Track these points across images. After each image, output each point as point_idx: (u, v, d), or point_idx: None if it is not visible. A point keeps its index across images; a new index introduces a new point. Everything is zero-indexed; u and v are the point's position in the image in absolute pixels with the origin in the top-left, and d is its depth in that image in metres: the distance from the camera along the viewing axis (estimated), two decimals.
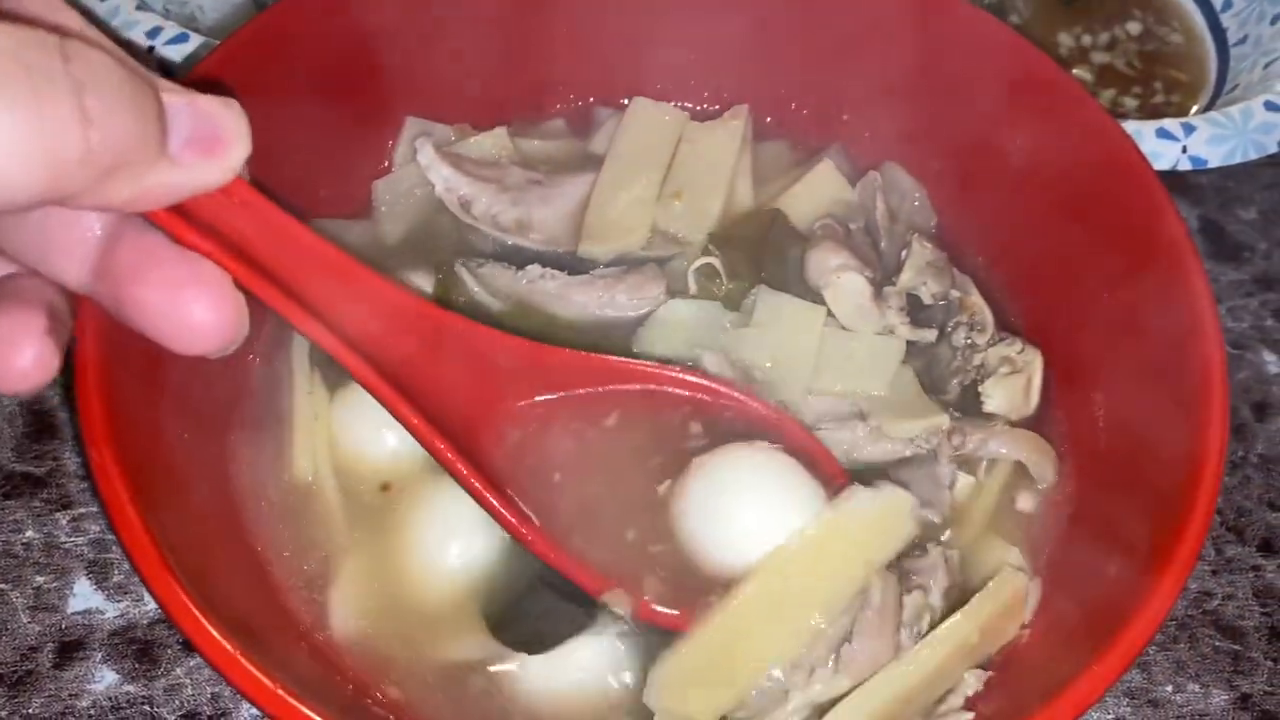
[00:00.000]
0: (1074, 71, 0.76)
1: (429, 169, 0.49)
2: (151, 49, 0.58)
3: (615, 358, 0.46)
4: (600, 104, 0.56)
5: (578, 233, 0.52)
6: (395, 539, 0.47)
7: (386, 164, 0.53)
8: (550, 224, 0.52)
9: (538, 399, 0.44)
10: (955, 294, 0.52)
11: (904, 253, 0.52)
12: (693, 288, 0.51)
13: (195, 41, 0.59)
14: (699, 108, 0.57)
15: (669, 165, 0.54)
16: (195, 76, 0.42)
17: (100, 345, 0.39)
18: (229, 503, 0.46)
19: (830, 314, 0.50)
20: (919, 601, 0.44)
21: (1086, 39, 0.78)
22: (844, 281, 0.50)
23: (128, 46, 0.45)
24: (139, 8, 0.60)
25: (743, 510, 0.45)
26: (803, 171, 0.55)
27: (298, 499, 0.47)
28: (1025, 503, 0.51)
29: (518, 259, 0.50)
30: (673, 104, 0.55)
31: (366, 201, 0.52)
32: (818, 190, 0.55)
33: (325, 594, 0.46)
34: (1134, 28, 0.79)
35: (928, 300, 0.52)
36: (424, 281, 0.49)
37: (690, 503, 0.45)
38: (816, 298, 0.50)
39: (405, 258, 0.51)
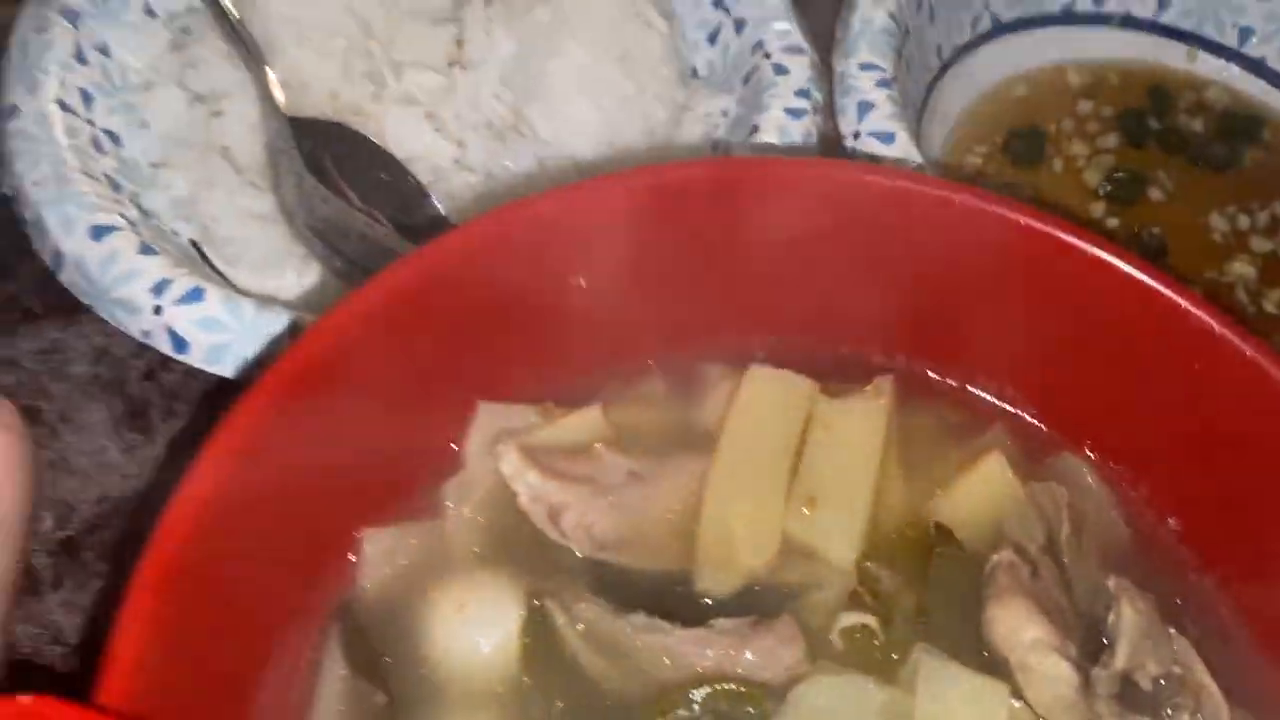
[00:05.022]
0: (1234, 265, 0.60)
1: (513, 479, 0.41)
2: (159, 309, 0.45)
3: None
4: (704, 359, 0.46)
5: (688, 546, 0.43)
6: None
7: (454, 450, 0.43)
8: (655, 536, 0.43)
9: None
10: (1177, 670, 0.42)
11: (1110, 615, 0.42)
12: (838, 645, 0.41)
13: (214, 301, 0.45)
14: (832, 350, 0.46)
15: (797, 455, 0.43)
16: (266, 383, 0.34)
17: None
18: None
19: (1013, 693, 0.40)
20: None
21: (1244, 220, 0.62)
22: (1045, 667, 0.40)
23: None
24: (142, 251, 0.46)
25: None
26: (962, 458, 0.44)
27: None
28: None
29: (618, 588, 0.41)
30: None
31: (432, 501, 0.42)
32: (985, 492, 0.44)
33: None
34: None
35: (1147, 686, 0.41)
36: (506, 599, 0.41)
37: None
38: (993, 659, 0.40)
39: (482, 573, 0.41)
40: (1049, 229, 0.41)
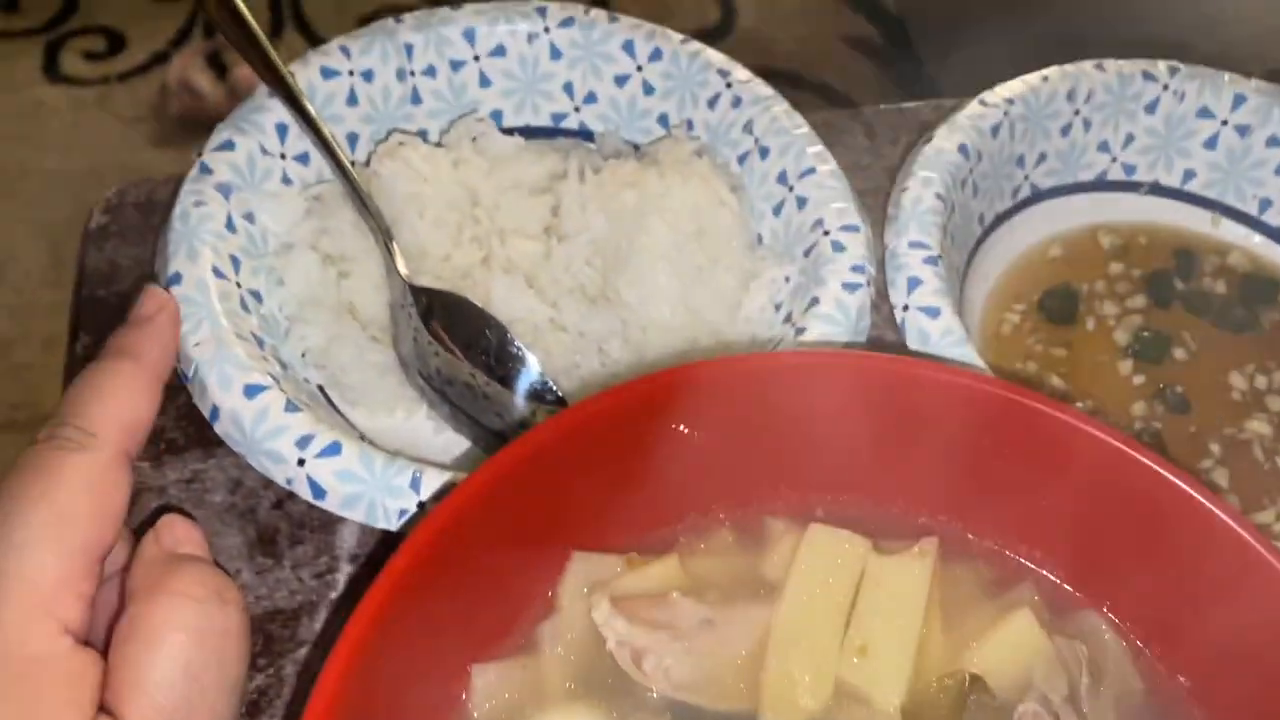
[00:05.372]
0: (1251, 423, 0.66)
1: (604, 625, 0.48)
2: (302, 461, 0.53)
3: None
4: (769, 514, 0.52)
5: (754, 688, 0.48)
6: None
7: (549, 595, 0.49)
8: (725, 678, 0.49)
9: None
10: None
11: None
12: None
13: (350, 455, 0.52)
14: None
15: (851, 608, 0.50)
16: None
17: None
18: None
19: None
20: None
21: (1261, 380, 0.67)
22: None
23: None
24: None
25: None
26: (995, 612, 0.50)
27: None
28: None
29: None
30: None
31: (530, 641, 0.49)
32: (1015, 645, 0.50)
33: None
34: None
35: None
36: None
37: None
38: None
39: (574, 706, 0.48)
40: (1074, 421, 0.47)
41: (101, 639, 0.44)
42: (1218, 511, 0.45)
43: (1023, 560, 0.51)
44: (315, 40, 1.96)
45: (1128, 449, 0.46)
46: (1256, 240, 0.72)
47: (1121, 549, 0.49)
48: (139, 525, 0.56)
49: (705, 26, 1.98)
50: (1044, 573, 0.51)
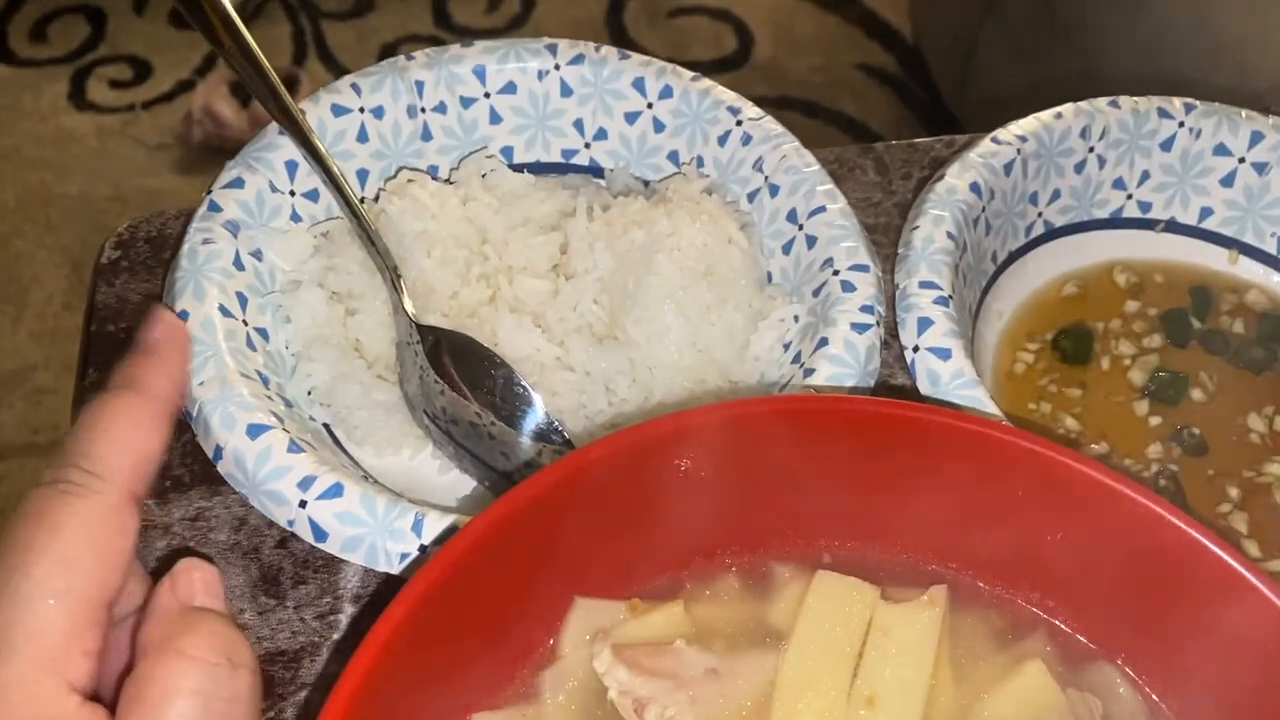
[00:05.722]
0: (1271, 466, 0.64)
1: (606, 675, 0.47)
2: (304, 503, 0.53)
3: None
4: (776, 559, 0.52)
5: None
6: None
7: (551, 643, 0.49)
8: None
9: None
10: None
11: None
12: None
13: (352, 497, 0.52)
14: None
15: (858, 657, 0.49)
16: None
17: None
18: None
19: None
20: None
21: None
22: None
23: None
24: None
25: None
26: (1006, 662, 0.50)
27: None
28: None
29: None
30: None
31: (531, 689, 0.48)
32: (1027, 698, 0.49)
33: None
34: None
35: None
36: None
37: None
38: None
39: None
40: (1086, 469, 0.46)
41: (111, 686, 0.44)
42: (1235, 564, 0.44)
43: (1035, 609, 0.50)
44: (338, 69, 1.98)
45: (1142, 498, 0.46)
46: (1275, 279, 0.71)
47: (1137, 600, 0.48)
48: (155, 567, 0.55)
49: (722, 56, 1.99)
50: (1057, 622, 0.50)
